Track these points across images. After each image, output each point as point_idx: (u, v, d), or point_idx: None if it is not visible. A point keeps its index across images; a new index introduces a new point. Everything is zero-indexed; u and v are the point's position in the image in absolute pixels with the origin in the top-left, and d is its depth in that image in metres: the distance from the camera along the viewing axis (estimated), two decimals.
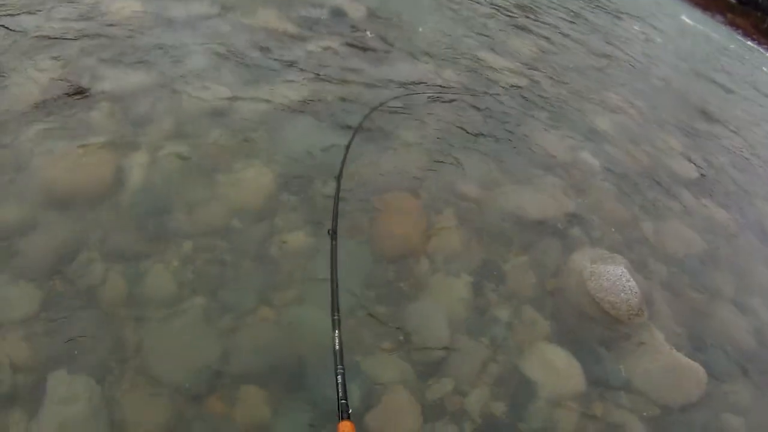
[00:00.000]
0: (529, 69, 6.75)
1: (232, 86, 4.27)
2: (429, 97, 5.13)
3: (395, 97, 4.71)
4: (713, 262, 4.78)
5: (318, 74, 4.86)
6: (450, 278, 3.31)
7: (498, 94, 5.74)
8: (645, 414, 3.14)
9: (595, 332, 3.45)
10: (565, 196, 4.49)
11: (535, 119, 5.57)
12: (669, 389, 3.35)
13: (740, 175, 7.00)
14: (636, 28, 14.77)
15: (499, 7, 8.90)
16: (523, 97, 5.94)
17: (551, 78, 6.80)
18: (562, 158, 5.04)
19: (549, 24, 9.34)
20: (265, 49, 4.97)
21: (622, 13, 16.04)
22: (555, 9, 10.71)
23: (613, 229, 4.42)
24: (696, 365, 3.55)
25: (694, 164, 6.42)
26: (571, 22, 10.43)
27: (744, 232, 5.58)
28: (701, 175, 6.27)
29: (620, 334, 3.50)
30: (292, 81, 4.63)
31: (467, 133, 4.82)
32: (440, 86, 5.45)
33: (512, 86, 6.07)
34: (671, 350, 3.56)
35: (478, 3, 8.70)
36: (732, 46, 23.87)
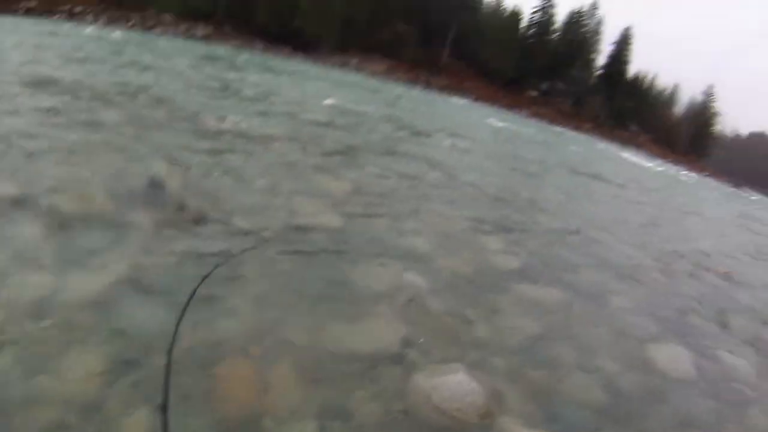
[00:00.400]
0: (344, 207, 7.25)
1: (52, 269, 4.27)
2: (252, 258, 5.29)
3: (219, 264, 4.76)
4: (550, 338, 5.22)
5: (139, 249, 4.94)
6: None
7: (315, 238, 6.08)
8: None
9: None
10: (396, 323, 4.77)
11: (354, 254, 5.93)
12: None
13: (562, 252, 7.84)
14: (447, 143, 16.21)
15: (319, 154, 9.68)
16: (341, 235, 6.34)
17: (366, 211, 7.35)
18: (388, 286, 5.37)
19: (364, 161, 10.19)
20: (82, 227, 5.06)
21: (433, 132, 17.64)
22: (371, 145, 11.72)
23: (447, 341, 4.73)
24: None
25: (516, 255, 7.10)
26: (387, 154, 11.42)
27: (575, 302, 6.19)
28: (524, 263, 6.93)
29: None
30: (114, 258, 4.67)
31: (289, 283, 5.03)
32: (261, 243, 5.67)
33: (328, 228, 6.46)
34: None
35: (303, 153, 9.41)
36: (540, 136, 26.66)
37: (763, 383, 5.74)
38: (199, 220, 5.83)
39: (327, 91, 20.18)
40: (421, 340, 4.61)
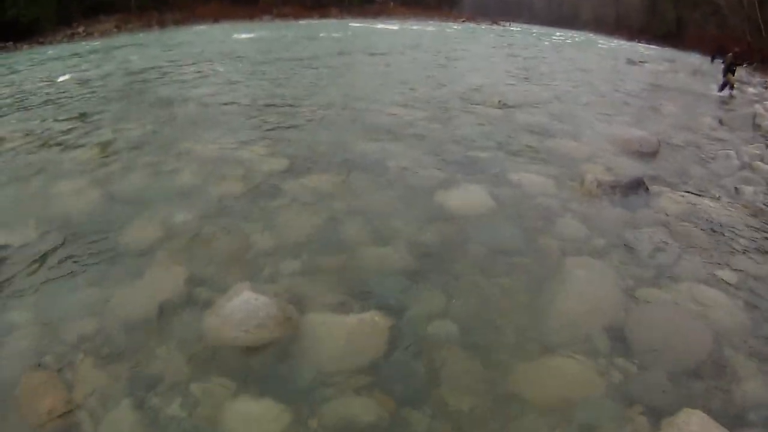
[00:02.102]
0: (98, 172, 6.58)
1: None
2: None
3: None
4: (336, 221, 5.22)
5: None
6: None
7: (77, 214, 5.49)
8: None
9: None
10: (175, 266, 4.48)
11: (119, 215, 5.43)
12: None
13: (328, 135, 8.10)
14: (198, 70, 15.73)
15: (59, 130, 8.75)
16: (101, 202, 5.76)
17: (124, 166, 6.79)
18: (160, 233, 5.01)
19: (112, 120, 9.21)
20: None
21: (182, 65, 16.69)
22: (117, 105, 10.76)
23: (230, 264, 4.52)
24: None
25: (283, 155, 6.97)
26: (136, 104, 10.79)
27: (352, 179, 6.26)
28: (292, 160, 6.83)
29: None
30: None
31: (63, 267, 4.55)
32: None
33: (88, 200, 5.83)
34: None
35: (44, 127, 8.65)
36: (287, 32, 26.39)
37: (562, 192, 6.15)
38: None
39: (60, 68, 17.90)
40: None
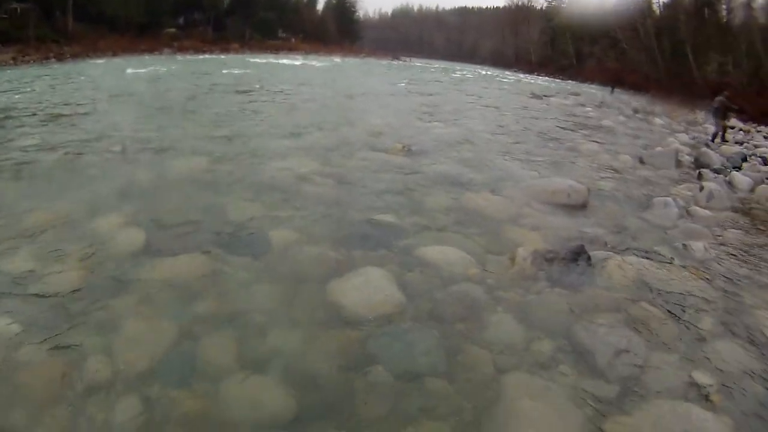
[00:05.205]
0: None
1: None
2: None
3: None
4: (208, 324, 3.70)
5: None
6: None
7: None
8: None
9: None
10: None
11: None
12: None
13: (197, 197, 6.56)
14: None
15: None
16: None
17: None
18: None
19: None
20: None
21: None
22: None
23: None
24: None
25: (140, 226, 5.42)
26: None
27: (225, 263, 4.72)
28: (151, 232, 5.27)
29: None
30: None
31: None
32: None
33: None
34: None
35: None
36: (183, 68, 25.11)
37: (488, 271, 4.91)
38: None
39: None
40: None
